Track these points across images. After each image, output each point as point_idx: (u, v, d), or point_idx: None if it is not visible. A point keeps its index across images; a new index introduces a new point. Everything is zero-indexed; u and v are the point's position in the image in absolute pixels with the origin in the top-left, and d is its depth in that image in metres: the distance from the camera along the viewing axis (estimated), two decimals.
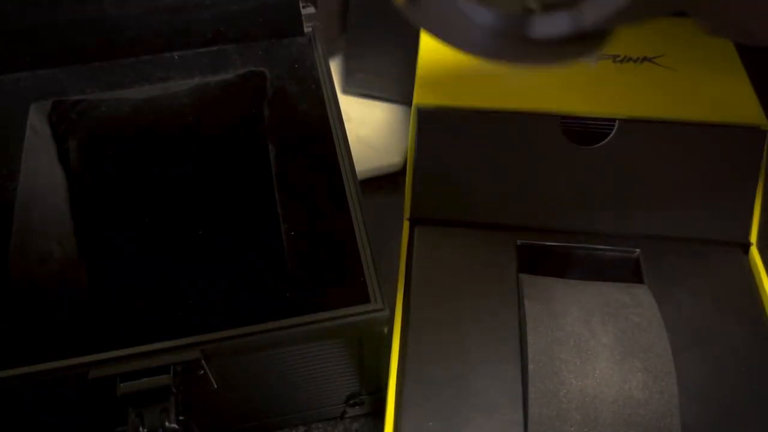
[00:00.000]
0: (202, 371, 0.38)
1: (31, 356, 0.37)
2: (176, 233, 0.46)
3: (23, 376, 0.36)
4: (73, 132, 0.49)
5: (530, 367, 0.39)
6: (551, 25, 0.26)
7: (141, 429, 0.36)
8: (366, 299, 0.39)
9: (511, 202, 0.47)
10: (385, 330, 0.41)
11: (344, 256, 0.41)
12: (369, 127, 0.66)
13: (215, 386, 0.39)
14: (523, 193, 0.47)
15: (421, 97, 0.48)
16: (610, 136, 0.47)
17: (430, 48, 0.52)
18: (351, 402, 0.47)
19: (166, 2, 0.52)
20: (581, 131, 0.47)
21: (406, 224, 0.47)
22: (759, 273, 0.44)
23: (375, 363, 0.44)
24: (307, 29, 0.55)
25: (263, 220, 0.46)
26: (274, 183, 0.45)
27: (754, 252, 0.46)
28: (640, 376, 0.38)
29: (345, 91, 0.69)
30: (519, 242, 0.46)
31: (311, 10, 0.55)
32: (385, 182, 0.65)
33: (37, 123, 0.50)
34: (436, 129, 0.47)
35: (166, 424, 0.36)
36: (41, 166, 0.48)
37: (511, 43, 0.28)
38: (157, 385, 0.36)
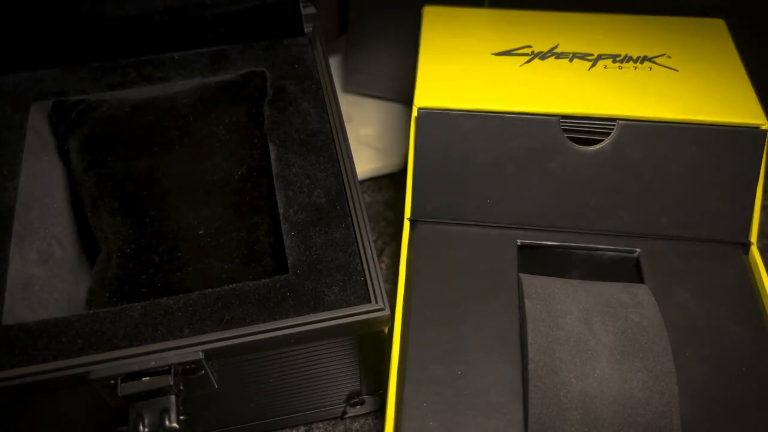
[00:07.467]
0: (203, 371, 0.38)
1: (32, 356, 0.37)
2: (177, 233, 0.46)
3: (24, 376, 0.36)
4: (73, 132, 0.49)
5: (530, 367, 0.39)
6: None
7: (142, 429, 0.36)
8: (366, 299, 0.39)
9: (510, 202, 0.47)
10: (386, 330, 0.41)
11: (344, 256, 0.41)
12: (369, 127, 0.67)
13: (216, 386, 0.39)
14: (523, 192, 0.47)
15: (421, 98, 0.48)
16: (610, 136, 0.47)
17: (430, 49, 0.52)
18: (351, 402, 0.47)
19: (166, 2, 0.52)
20: (581, 131, 0.47)
21: (406, 224, 0.47)
22: (759, 273, 0.44)
23: (375, 363, 0.44)
24: (307, 29, 0.55)
25: (264, 220, 0.46)
26: (275, 183, 0.45)
27: (754, 252, 0.46)
28: (640, 376, 0.38)
29: (345, 91, 0.69)
30: (519, 242, 0.46)
31: (311, 10, 0.55)
32: (385, 182, 0.65)
33: (37, 123, 0.50)
34: (436, 130, 0.47)
35: (167, 424, 0.36)
36: (41, 166, 0.48)
37: None
38: (157, 386, 0.36)
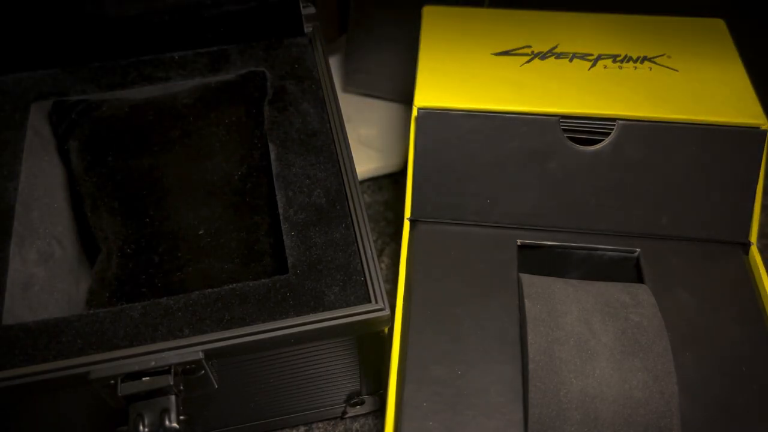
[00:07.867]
0: (203, 371, 0.38)
1: (32, 356, 0.37)
2: (177, 233, 0.46)
3: (24, 376, 0.36)
4: (73, 132, 0.49)
5: (530, 367, 0.39)
6: None
7: (142, 429, 0.36)
8: (366, 299, 0.39)
9: (511, 202, 0.47)
10: (386, 330, 0.41)
11: (344, 256, 0.41)
12: (369, 127, 0.67)
13: (216, 386, 0.39)
14: (523, 193, 0.47)
15: (421, 98, 0.48)
16: (610, 136, 0.47)
17: (430, 49, 0.52)
18: (351, 402, 0.47)
19: (166, 2, 0.52)
20: (581, 131, 0.47)
21: (406, 224, 0.47)
22: (759, 273, 0.44)
23: (375, 363, 0.44)
24: (307, 29, 0.55)
25: (264, 220, 0.46)
26: (275, 183, 0.45)
27: (754, 252, 0.46)
28: (640, 376, 0.38)
29: (345, 91, 0.69)
30: (519, 242, 0.46)
31: (311, 10, 0.55)
32: (385, 182, 0.65)
33: (37, 123, 0.50)
34: (436, 130, 0.47)
35: (167, 424, 0.36)
36: (41, 167, 0.48)
37: None
38: (157, 386, 0.36)
